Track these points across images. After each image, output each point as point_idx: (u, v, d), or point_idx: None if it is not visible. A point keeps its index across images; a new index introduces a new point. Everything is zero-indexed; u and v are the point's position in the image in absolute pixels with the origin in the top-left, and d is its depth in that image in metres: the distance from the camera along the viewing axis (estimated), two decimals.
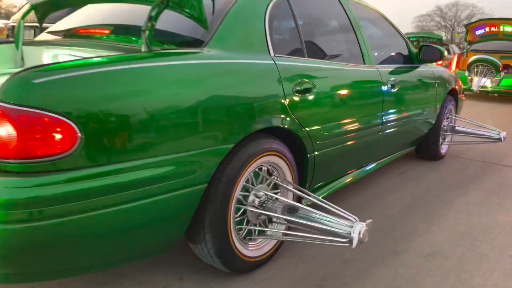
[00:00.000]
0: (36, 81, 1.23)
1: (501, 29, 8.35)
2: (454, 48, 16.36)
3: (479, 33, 8.69)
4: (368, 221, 1.70)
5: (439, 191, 3.06)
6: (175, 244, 1.68)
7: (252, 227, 1.89)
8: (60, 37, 2.29)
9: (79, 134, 1.26)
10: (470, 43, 8.90)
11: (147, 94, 1.42)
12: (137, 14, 1.99)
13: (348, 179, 2.63)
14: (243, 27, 1.90)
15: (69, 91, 1.26)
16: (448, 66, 8.98)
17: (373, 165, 2.92)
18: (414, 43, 13.00)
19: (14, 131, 1.20)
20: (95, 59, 1.40)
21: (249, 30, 1.92)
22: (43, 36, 2.37)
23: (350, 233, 1.66)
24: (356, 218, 1.72)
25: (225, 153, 1.64)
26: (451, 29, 71.86)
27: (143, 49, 1.58)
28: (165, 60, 1.55)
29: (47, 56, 1.97)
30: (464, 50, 9.07)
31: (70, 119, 1.24)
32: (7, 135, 1.20)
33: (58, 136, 1.23)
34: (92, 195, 1.30)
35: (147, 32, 1.58)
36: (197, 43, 1.76)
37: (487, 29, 8.56)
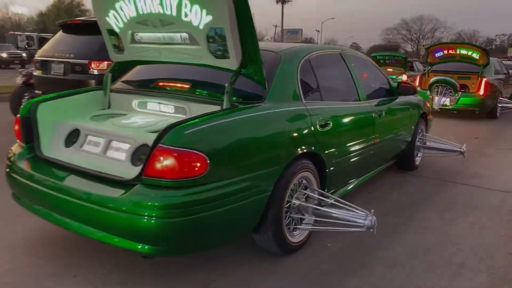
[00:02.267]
0: (185, 132, 2.05)
1: (458, 52, 9.13)
2: (418, 65, 17.37)
3: (439, 55, 9.46)
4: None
5: (401, 208, 3.59)
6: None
7: (294, 214, 2.66)
8: (134, 87, 3.08)
9: (209, 162, 2.03)
10: (431, 64, 9.66)
11: (243, 135, 2.27)
12: (204, 72, 2.68)
13: (352, 185, 3.45)
14: (285, 84, 2.75)
15: (203, 136, 2.09)
16: (413, 82, 9.71)
17: (367, 174, 3.76)
18: (381, 61, 13.77)
19: (175, 162, 1.98)
20: (208, 116, 2.18)
21: (289, 85, 2.77)
22: (119, 85, 3.12)
23: (365, 222, 2.50)
24: (367, 211, 2.54)
25: (282, 170, 2.46)
26: (416, 41, 74.71)
27: (224, 105, 2.35)
28: (249, 113, 2.40)
29: (135, 103, 2.85)
30: (426, 71, 9.81)
31: (204, 153, 2.02)
32: (171, 165, 1.98)
33: (198, 164, 2.01)
34: (215, 200, 2.08)
35: (228, 92, 2.34)
36: (258, 97, 2.56)
37: (445, 51, 9.32)
